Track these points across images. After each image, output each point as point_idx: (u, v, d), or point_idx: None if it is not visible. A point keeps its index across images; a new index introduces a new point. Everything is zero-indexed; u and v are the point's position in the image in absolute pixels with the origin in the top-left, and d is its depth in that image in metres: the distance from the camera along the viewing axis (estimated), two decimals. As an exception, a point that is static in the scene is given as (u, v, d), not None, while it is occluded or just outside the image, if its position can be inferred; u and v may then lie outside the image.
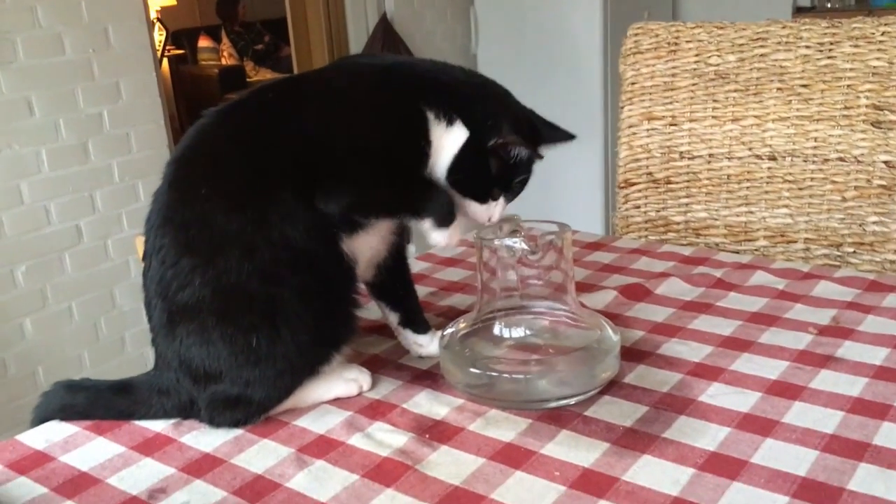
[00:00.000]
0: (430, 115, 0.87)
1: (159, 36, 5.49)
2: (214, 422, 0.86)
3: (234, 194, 0.83)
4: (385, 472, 0.76)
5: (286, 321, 0.83)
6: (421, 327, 0.99)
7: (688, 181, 1.45)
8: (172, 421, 0.87)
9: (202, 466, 0.79)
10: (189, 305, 0.82)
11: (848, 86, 1.30)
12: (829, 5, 3.82)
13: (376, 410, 0.87)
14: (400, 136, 0.87)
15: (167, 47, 5.83)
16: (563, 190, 3.40)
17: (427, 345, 0.99)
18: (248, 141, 0.85)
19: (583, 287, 1.16)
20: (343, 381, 0.91)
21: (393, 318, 1.00)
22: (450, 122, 0.87)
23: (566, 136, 0.95)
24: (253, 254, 0.81)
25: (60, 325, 2.56)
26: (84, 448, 0.83)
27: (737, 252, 1.37)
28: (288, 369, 0.85)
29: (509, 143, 0.87)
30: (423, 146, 0.87)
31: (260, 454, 0.80)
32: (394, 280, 0.98)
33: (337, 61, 1.06)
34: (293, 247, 0.82)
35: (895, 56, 1.26)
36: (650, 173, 1.47)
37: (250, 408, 0.85)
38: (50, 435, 0.86)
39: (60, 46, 2.46)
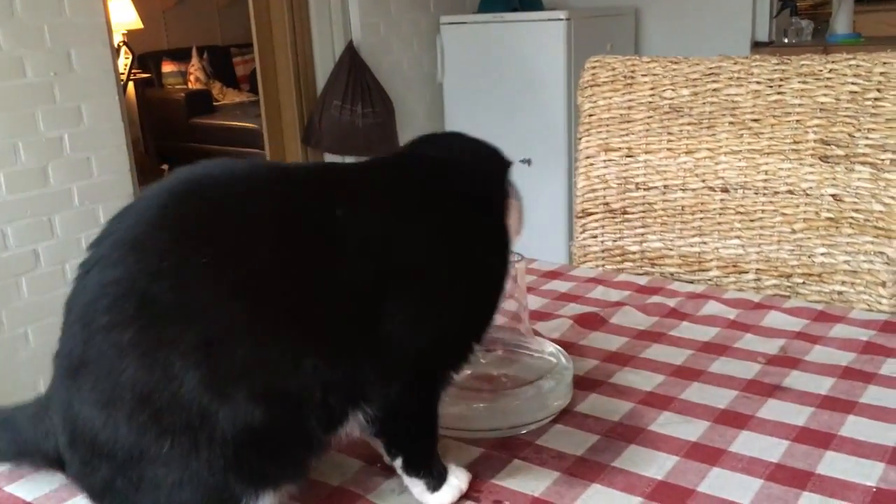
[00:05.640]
0: None
1: (126, 60, 5.46)
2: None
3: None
4: (336, 501, 0.75)
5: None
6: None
7: (643, 212, 1.47)
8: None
9: (150, 497, 0.78)
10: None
11: (797, 121, 1.33)
12: (786, 40, 3.92)
13: (329, 439, 0.87)
14: None
15: (133, 71, 5.80)
16: (529, 218, 3.40)
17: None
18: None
19: (539, 315, 1.17)
20: None
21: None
22: None
23: None
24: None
25: (16, 351, 2.52)
26: (30, 478, 0.82)
27: (691, 282, 1.40)
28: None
29: None
30: None
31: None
32: None
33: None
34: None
35: (842, 93, 1.30)
36: (607, 203, 1.50)
37: None
38: (-5, 465, 0.84)
39: (21, 69, 2.44)
